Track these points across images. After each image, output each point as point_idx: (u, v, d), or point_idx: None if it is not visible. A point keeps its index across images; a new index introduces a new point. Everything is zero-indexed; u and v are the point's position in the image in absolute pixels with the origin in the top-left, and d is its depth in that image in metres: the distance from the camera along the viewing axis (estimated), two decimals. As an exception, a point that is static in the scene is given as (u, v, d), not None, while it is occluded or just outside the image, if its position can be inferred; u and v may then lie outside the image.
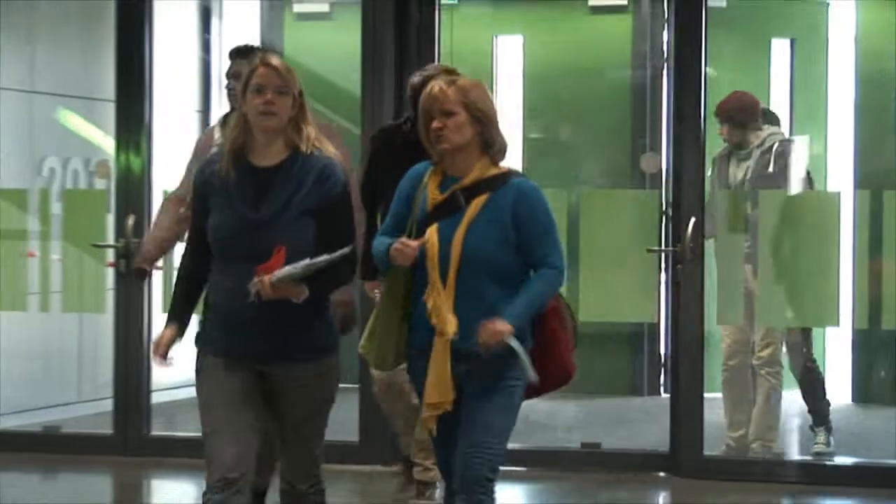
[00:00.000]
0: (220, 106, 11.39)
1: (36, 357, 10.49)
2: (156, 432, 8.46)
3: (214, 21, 12.10)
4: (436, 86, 4.15)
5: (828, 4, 10.55)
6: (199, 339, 4.22)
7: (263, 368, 4.16)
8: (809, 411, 8.32)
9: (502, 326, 3.94)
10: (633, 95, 10.51)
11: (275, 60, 4.24)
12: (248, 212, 4.10)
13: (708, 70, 8.17)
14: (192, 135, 10.77)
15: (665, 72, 9.51)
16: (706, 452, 7.67)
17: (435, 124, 4.07)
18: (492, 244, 3.99)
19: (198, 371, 4.21)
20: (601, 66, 10.66)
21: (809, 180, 8.23)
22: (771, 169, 8.15)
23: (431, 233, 4.04)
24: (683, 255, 7.72)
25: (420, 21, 8.85)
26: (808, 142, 9.04)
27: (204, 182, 4.25)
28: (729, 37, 9.94)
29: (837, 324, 8.25)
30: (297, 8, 11.92)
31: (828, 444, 8.12)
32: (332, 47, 11.14)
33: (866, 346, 10.05)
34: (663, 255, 8.14)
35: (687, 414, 7.77)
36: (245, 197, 4.12)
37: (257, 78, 4.12)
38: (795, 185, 8.15)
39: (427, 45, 8.77)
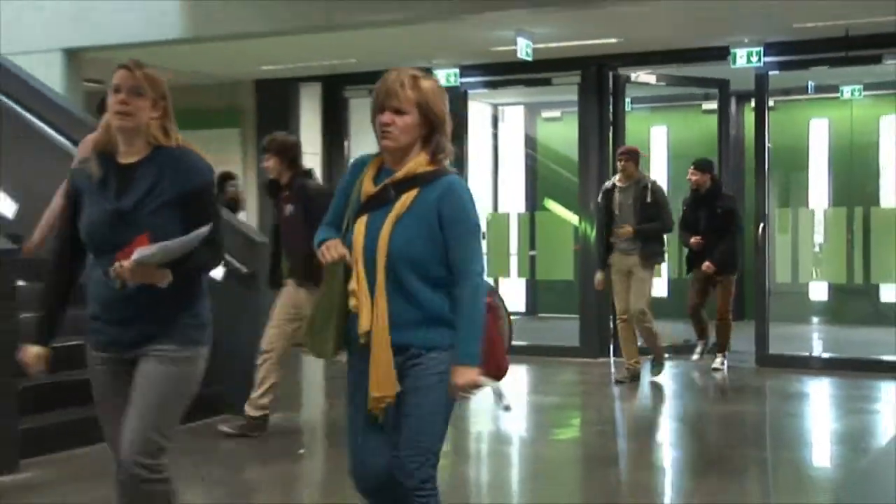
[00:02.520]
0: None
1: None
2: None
3: (500, 121, 15.53)
4: (395, 79, 3.77)
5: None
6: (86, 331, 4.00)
7: (132, 356, 3.96)
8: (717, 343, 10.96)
9: (472, 376, 3.73)
10: (721, 156, 13.09)
11: (133, 65, 4.05)
12: (110, 205, 3.88)
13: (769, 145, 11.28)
14: (486, 184, 14.71)
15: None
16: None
17: (384, 118, 3.75)
18: (417, 240, 3.70)
19: (87, 362, 4.10)
20: (708, 143, 13.09)
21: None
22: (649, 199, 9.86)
23: (359, 226, 3.76)
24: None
25: (612, 120, 12.09)
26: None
27: (74, 183, 4.03)
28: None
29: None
30: (543, 115, 15.65)
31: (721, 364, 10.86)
32: (563, 136, 14.60)
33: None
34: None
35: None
36: (109, 192, 3.90)
37: (114, 79, 3.97)
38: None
39: (615, 133, 12.00)
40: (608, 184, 10.30)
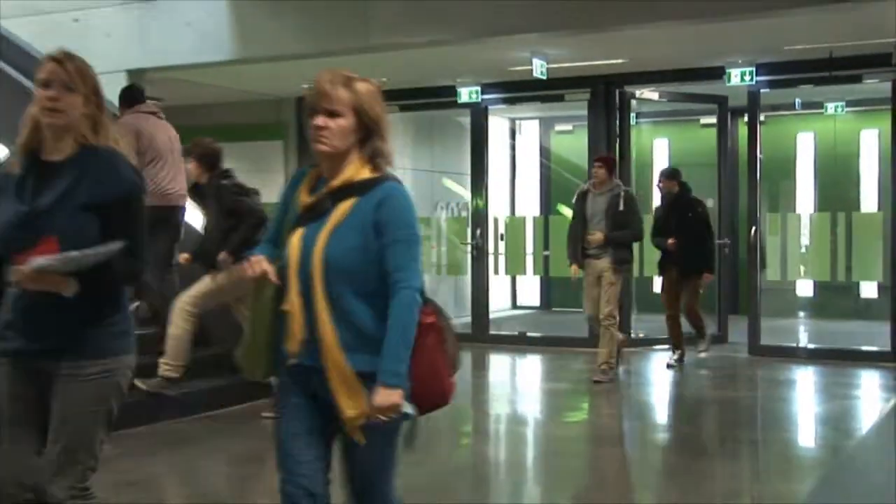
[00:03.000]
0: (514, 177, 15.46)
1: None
2: None
3: (517, 134, 15.67)
4: (328, 80, 3.24)
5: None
6: None
7: (44, 366, 3.40)
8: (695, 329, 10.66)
9: (394, 398, 3.07)
10: (719, 167, 12.72)
11: (63, 56, 3.39)
12: (23, 205, 3.36)
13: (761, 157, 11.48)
14: (504, 190, 15.13)
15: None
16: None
17: (318, 121, 3.20)
18: (353, 253, 3.10)
19: None
20: (706, 154, 13.23)
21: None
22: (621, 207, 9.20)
23: (294, 239, 3.19)
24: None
25: (619, 133, 11.97)
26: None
27: None
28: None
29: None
30: (556, 128, 15.67)
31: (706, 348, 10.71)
32: (574, 147, 14.65)
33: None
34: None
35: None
36: (25, 191, 3.39)
37: (43, 73, 3.35)
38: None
39: (622, 145, 11.99)
40: (583, 187, 9.77)
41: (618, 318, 9.44)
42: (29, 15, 10.86)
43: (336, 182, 3.25)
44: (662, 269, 10.58)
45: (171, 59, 11.13)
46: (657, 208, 10.76)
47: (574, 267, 9.61)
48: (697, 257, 10.31)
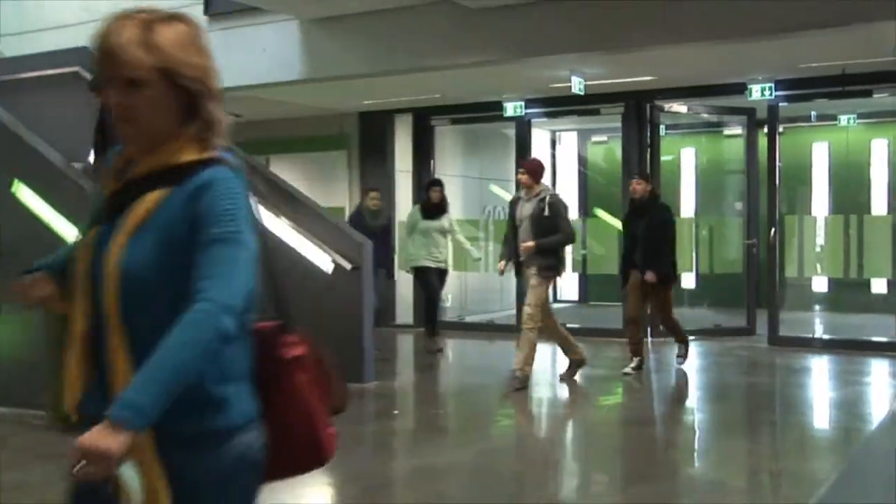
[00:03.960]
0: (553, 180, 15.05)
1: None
2: None
3: (557, 144, 15.55)
4: (114, 36, 2.02)
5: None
6: None
7: None
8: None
9: (109, 440, 1.75)
10: (746, 174, 12.47)
11: None
12: None
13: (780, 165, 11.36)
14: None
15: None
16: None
17: (115, 98, 2.00)
18: (155, 263, 1.93)
19: None
20: (729, 162, 13.67)
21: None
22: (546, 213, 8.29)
23: (84, 244, 2.04)
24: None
25: (650, 143, 11.94)
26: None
27: None
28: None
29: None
30: (593, 139, 15.65)
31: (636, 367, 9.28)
32: (609, 156, 14.87)
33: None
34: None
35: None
36: None
37: None
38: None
39: (652, 154, 11.91)
40: (515, 195, 9.11)
41: (538, 322, 8.39)
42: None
43: (142, 168, 2.07)
44: (624, 272, 9.61)
45: (248, 79, 11.26)
46: (626, 214, 9.82)
47: (501, 263, 9.20)
48: (658, 265, 9.22)
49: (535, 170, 8.67)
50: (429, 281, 10.72)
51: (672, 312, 9.63)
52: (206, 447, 1.99)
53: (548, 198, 8.49)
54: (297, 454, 2.17)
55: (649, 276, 9.13)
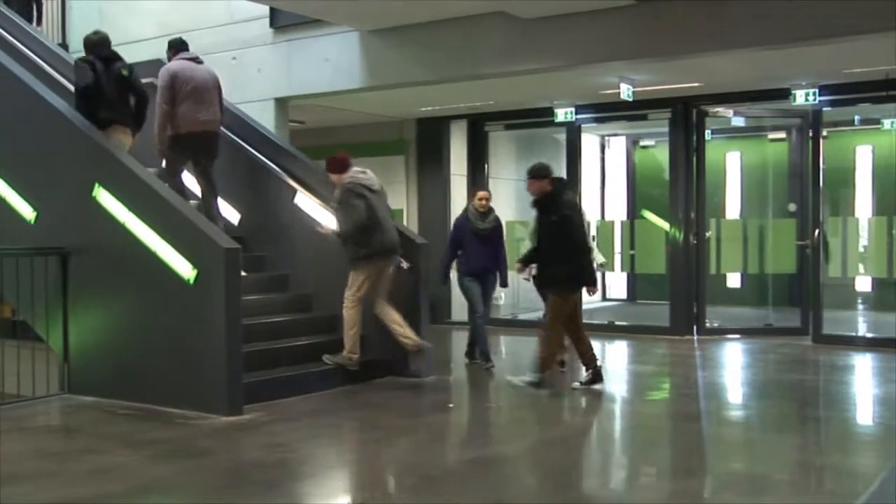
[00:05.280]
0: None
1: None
2: None
3: (606, 148, 15.59)
4: None
5: None
6: None
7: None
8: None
9: None
10: (788, 178, 13.12)
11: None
12: None
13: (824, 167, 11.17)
14: (595, 197, 14.88)
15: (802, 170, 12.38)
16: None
17: None
18: None
19: None
20: (773, 165, 13.40)
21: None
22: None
23: None
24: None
25: (696, 146, 11.95)
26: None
27: None
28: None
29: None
30: (641, 143, 15.59)
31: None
32: (656, 160, 14.72)
33: None
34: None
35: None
36: None
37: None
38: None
39: (698, 158, 11.90)
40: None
41: (348, 306, 8.04)
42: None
43: None
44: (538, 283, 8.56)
45: (311, 88, 11.43)
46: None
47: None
48: (551, 270, 8.02)
49: (337, 165, 8.26)
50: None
51: (555, 324, 8.04)
52: None
53: (337, 190, 8.13)
54: None
55: (518, 267, 8.44)
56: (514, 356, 10.70)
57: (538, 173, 8.09)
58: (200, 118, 8.46)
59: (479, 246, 9.31)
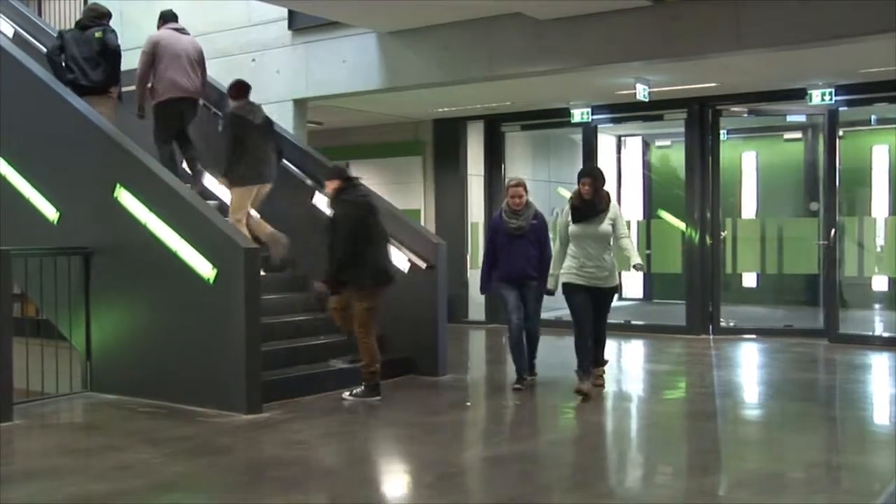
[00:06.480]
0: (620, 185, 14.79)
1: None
2: None
3: (622, 148, 15.44)
4: None
5: None
6: None
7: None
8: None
9: None
10: (805, 177, 13.17)
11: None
12: None
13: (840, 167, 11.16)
14: (612, 197, 15.37)
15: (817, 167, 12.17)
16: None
17: None
18: None
19: None
20: (792, 164, 13.71)
21: None
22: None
23: None
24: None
25: (711, 146, 11.92)
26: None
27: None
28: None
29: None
30: (657, 143, 15.45)
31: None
32: (672, 160, 14.66)
33: None
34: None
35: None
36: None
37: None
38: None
39: (713, 158, 11.87)
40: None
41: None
42: (217, 57, 11.41)
43: None
44: None
45: (329, 89, 11.46)
46: None
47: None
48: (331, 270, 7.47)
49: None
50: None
51: (364, 328, 7.54)
52: None
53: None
54: None
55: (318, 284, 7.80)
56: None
57: (336, 174, 7.63)
58: (180, 83, 8.82)
59: (514, 248, 8.01)
